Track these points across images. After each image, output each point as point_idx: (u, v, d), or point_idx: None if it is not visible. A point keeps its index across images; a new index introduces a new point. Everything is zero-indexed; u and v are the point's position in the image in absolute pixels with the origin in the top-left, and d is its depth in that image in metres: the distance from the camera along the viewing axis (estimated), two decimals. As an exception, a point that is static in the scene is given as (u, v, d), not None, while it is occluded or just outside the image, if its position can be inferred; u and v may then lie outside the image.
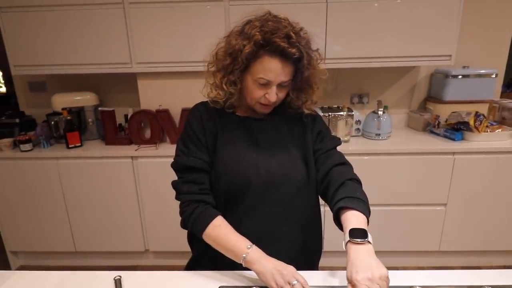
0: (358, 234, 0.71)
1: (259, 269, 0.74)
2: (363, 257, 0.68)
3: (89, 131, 2.18)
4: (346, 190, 0.82)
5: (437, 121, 2.05)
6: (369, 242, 0.71)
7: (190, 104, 0.99)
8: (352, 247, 0.71)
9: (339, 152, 0.95)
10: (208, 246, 0.85)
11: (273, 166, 0.88)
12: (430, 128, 2.10)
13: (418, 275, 0.82)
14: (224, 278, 0.81)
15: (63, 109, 2.01)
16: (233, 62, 0.83)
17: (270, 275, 0.72)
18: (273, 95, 0.83)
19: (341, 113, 2.01)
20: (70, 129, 1.97)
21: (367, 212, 0.78)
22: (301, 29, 0.83)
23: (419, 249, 2.02)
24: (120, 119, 2.15)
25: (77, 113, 2.13)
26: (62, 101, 2.09)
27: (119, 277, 0.80)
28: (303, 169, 0.90)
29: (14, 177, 1.97)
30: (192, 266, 0.99)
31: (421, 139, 2.00)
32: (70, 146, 1.98)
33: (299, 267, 0.80)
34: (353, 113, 2.04)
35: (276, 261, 0.76)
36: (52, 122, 2.06)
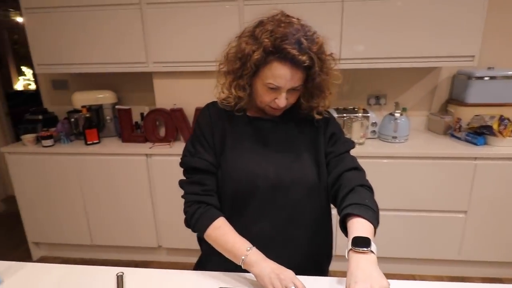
0: (361, 243, 0.69)
1: (257, 271, 0.74)
2: (364, 267, 0.66)
3: (107, 128, 2.24)
4: (355, 197, 0.80)
5: (458, 125, 1.96)
6: (372, 251, 0.68)
7: (204, 103, 0.98)
8: (353, 256, 0.68)
9: (352, 156, 0.93)
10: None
11: (282, 168, 0.87)
12: (451, 131, 2.01)
13: (434, 287, 0.78)
14: (226, 279, 0.81)
15: (82, 106, 2.07)
16: (243, 67, 0.82)
17: (267, 278, 0.71)
18: (282, 100, 0.82)
19: (356, 114, 1.96)
20: (89, 126, 2.04)
21: (374, 221, 0.76)
22: (314, 33, 0.81)
23: (437, 257, 1.94)
24: (136, 117, 2.20)
25: (96, 110, 2.19)
26: (82, 99, 2.16)
27: (121, 273, 0.81)
28: (313, 172, 0.89)
29: (36, 171, 2.06)
30: (200, 265, 0.99)
31: (441, 143, 1.93)
32: (88, 142, 2.04)
33: (307, 272, 0.80)
34: (369, 114, 1.99)
35: (275, 264, 0.75)
36: (72, 119, 2.13)
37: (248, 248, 0.77)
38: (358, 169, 0.90)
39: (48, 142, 2.03)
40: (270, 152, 0.89)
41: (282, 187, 0.86)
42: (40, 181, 2.07)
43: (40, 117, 2.24)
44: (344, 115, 2.00)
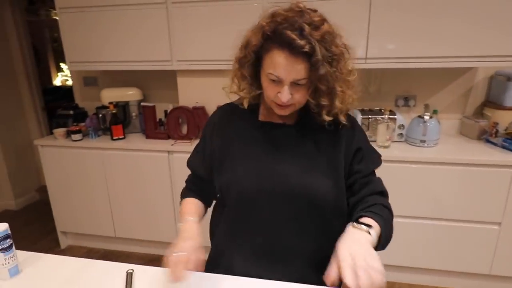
0: (363, 223, 0.72)
1: None
2: (358, 237, 0.68)
3: (132, 124, 2.30)
4: (372, 208, 0.79)
5: (495, 129, 1.82)
6: (369, 233, 0.70)
7: (226, 102, 0.97)
8: (350, 227, 0.71)
9: (379, 178, 0.88)
10: (218, 247, 0.88)
11: (290, 178, 0.80)
12: (486, 136, 1.87)
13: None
14: (235, 284, 0.80)
15: (109, 103, 2.14)
16: (245, 55, 0.78)
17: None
18: (284, 94, 0.73)
19: (382, 116, 1.88)
20: (115, 122, 2.10)
21: (383, 229, 0.75)
22: (323, 20, 0.72)
23: (467, 271, 1.82)
24: (160, 114, 2.24)
25: (123, 107, 2.26)
26: (110, 95, 2.23)
27: (131, 271, 0.82)
28: (326, 185, 0.81)
29: (65, 163, 2.16)
30: (207, 264, 0.98)
31: (475, 148, 1.80)
32: (114, 138, 2.11)
33: (313, 283, 0.77)
34: (396, 116, 1.90)
35: (190, 237, 0.77)
36: (100, 115, 2.21)
37: (183, 221, 0.84)
38: (383, 193, 0.87)
39: (77, 136, 2.12)
40: (278, 160, 0.82)
41: (288, 198, 0.80)
42: (69, 173, 2.17)
43: (71, 112, 2.34)
44: (369, 116, 1.92)
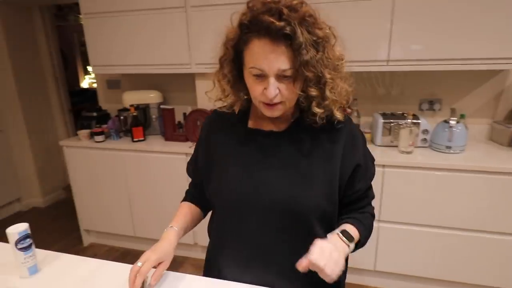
0: (348, 236, 0.74)
1: None
2: (334, 245, 0.70)
3: (152, 126, 2.35)
4: (358, 216, 0.82)
5: (528, 136, 1.71)
6: (348, 246, 0.74)
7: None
8: (333, 236, 0.74)
9: (370, 186, 0.85)
10: (211, 251, 0.90)
11: (278, 189, 0.75)
12: (519, 143, 1.76)
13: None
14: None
15: (130, 105, 2.19)
16: (224, 53, 0.73)
17: None
18: (271, 89, 0.66)
19: (405, 120, 1.81)
20: (135, 124, 2.15)
21: (362, 239, 0.80)
22: (301, 2, 0.66)
23: (494, 285, 1.72)
24: (179, 117, 2.27)
25: (143, 110, 2.31)
26: (131, 98, 2.29)
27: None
28: (316, 197, 0.75)
29: (88, 163, 2.23)
30: (205, 265, 0.95)
31: (506, 155, 1.70)
32: (134, 140, 2.16)
33: None
34: (419, 121, 1.82)
35: (156, 249, 0.80)
36: (122, 117, 2.27)
37: (170, 226, 0.86)
38: (372, 200, 0.88)
39: (100, 137, 2.18)
40: (265, 171, 0.77)
41: (275, 210, 0.75)
42: (92, 173, 2.24)
43: (95, 114, 2.42)
44: (391, 120, 1.86)
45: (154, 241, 2.55)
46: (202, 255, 2.24)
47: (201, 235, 2.12)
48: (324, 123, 0.75)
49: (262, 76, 0.68)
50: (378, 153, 1.80)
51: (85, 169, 2.25)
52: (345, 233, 0.74)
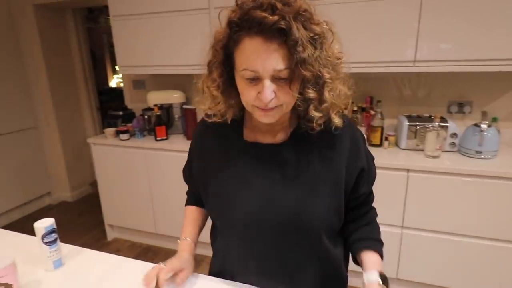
0: (384, 281, 0.70)
1: None
2: None
3: (175, 126, 2.39)
4: (372, 231, 0.83)
5: None
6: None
7: None
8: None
9: (373, 198, 0.84)
10: (215, 253, 0.89)
11: (283, 206, 0.70)
12: (558, 149, 1.65)
13: None
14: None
15: (154, 105, 2.24)
16: (214, 55, 0.67)
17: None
18: (267, 92, 0.60)
19: (432, 123, 1.74)
20: (159, 123, 2.20)
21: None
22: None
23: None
24: (201, 117, 2.29)
25: (167, 109, 2.36)
26: (155, 98, 2.34)
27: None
28: (322, 211, 0.71)
29: (113, 160, 2.30)
30: (212, 264, 0.93)
31: (542, 162, 1.59)
32: (157, 138, 2.21)
33: None
34: (447, 124, 1.75)
35: (179, 257, 0.81)
36: (146, 116, 2.33)
37: (181, 239, 0.87)
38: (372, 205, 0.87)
39: (125, 136, 2.25)
40: (268, 187, 0.72)
41: (280, 228, 0.71)
42: (116, 170, 2.32)
43: (121, 113, 2.49)
44: (417, 123, 1.79)
45: (174, 238, 2.59)
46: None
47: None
48: (322, 129, 0.69)
49: (255, 79, 0.61)
50: (402, 157, 1.74)
51: (110, 166, 2.33)
52: (384, 280, 0.70)
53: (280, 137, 0.74)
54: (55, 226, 0.88)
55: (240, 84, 0.65)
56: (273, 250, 0.75)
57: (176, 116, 2.38)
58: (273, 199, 0.72)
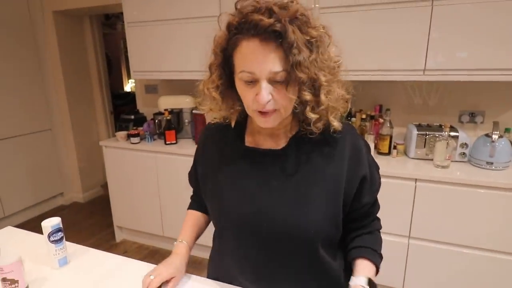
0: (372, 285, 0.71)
1: None
2: None
3: (184, 130, 2.43)
4: (371, 241, 0.80)
5: None
6: None
7: None
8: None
9: (376, 199, 0.81)
10: (212, 258, 0.91)
11: (278, 214, 0.70)
12: None
13: None
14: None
15: (165, 109, 2.29)
16: (214, 58, 0.69)
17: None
18: (263, 93, 0.61)
19: (441, 133, 1.71)
20: (169, 128, 2.24)
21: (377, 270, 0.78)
22: (293, 1, 0.62)
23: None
24: (210, 122, 2.32)
25: (177, 114, 2.40)
26: (166, 102, 2.38)
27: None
28: (319, 220, 0.70)
29: (124, 163, 2.35)
30: (210, 265, 0.95)
31: (557, 175, 1.54)
32: (167, 142, 2.24)
33: None
34: (457, 134, 1.72)
35: (169, 264, 0.81)
36: (156, 121, 2.38)
37: (177, 241, 0.89)
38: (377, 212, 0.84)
39: (136, 139, 2.30)
40: (265, 194, 0.72)
41: (275, 236, 0.71)
42: (127, 173, 2.36)
43: (132, 117, 2.55)
44: (426, 132, 1.77)
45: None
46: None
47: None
48: (322, 134, 0.70)
49: (253, 82, 0.63)
50: (411, 166, 1.72)
51: (121, 168, 2.37)
52: (370, 284, 0.71)
53: (280, 143, 0.75)
54: (61, 225, 0.91)
55: (239, 88, 0.66)
56: (268, 258, 0.74)
57: (186, 120, 2.41)
58: (267, 206, 0.71)
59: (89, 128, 3.33)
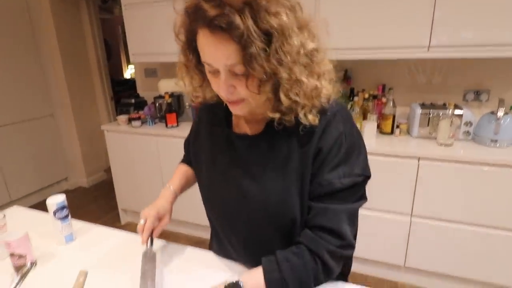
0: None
1: None
2: None
3: (185, 114, 2.42)
4: (290, 257, 0.66)
5: None
6: None
7: None
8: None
9: (346, 208, 0.66)
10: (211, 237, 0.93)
11: (251, 197, 0.70)
12: None
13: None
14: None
15: (165, 93, 2.27)
16: (177, 43, 0.67)
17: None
18: (221, 86, 0.59)
19: (445, 111, 1.69)
20: (169, 111, 2.22)
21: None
22: None
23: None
24: (211, 105, 2.31)
25: (177, 97, 2.38)
26: (166, 85, 2.36)
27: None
28: (290, 206, 0.67)
29: (126, 147, 2.35)
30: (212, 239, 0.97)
31: (562, 151, 1.53)
32: (168, 125, 2.24)
33: None
34: (461, 112, 1.70)
35: (154, 205, 0.84)
36: (157, 104, 2.36)
37: (167, 187, 0.90)
38: (338, 236, 0.65)
39: (137, 123, 2.29)
40: (241, 179, 0.71)
41: (250, 218, 0.72)
42: (129, 156, 2.37)
43: (133, 101, 2.54)
44: (430, 111, 1.75)
45: (186, 223, 2.63)
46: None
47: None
48: (295, 123, 0.63)
49: (216, 72, 0.59)
50: (414, 145, 1.71)
51: (123, 152, 2.38)
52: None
53: (259, 128, 0.71)
54: (66, 203, 0.92)
55: (208, 75, 0.63)
56: (259, 243, 0.75)
57: (187, 104, 2.40)
58: (247, 191, 0.71)
59: (90, 113, 3.32)
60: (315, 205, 0.66)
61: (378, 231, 1.77)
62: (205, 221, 0.93)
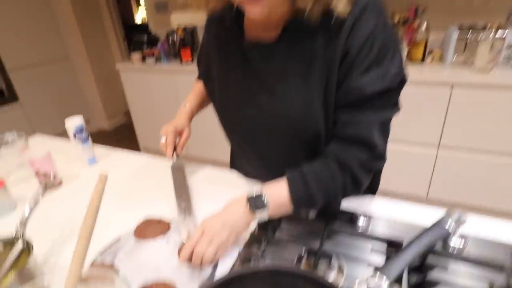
0: (258, 200, 0.58)
1: None
2: (227, 213, 0.60)
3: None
4: (318, 166, 0.61)
5: None
6: (254, 212, 0.58)
7: None
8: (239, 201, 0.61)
9: (381, 114, 0.58)
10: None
11: (267, 109, 0.64)
12: None
13: None
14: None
15: (178, 27, 2.15)
16: None
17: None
18: None
19: (485, 33, 1.52)
20: (183, 45, 2.13)
21: (298, 202, 0.59)
22: None
23: None
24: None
25: (191, 32, 2.26)
26: (178, 18, 2.24)
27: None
28: (316, 117, 0.60)
29: (142, 87, 2.32)
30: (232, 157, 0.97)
31: None
32: (183, 61, 2.16)
33: None
34: (504, 35, 1.52)
35: (172, 123, 0.81)
36: (170, 40, 2.26)
37: (183, 105, 0.88)
38: (370, 148, 0.59)
39: (151, 60, 2.22)
40: (255, 90, 0.65)
41: (268, 131, 0.67)
42: (146, 96, 2.35)
43: (145, 38, 2.44)
44: (468, 34, 1.57)
45: (206, 159, 2.65)
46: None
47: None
48: (322, 18, 0.54)
49: None
50: (447, 72, 1.58)
51: (140, 92, 2.35)
52: (255, 197, 0.59)
53: (275, 34, 0.61)
54: (84, 125, 0.90)
55: None
56: (281, 162, 0.68)
57: (201, 37, 2.28)
58: (264, 105, 0.64)
59: (104, 56, 3.26)
60: (342, 115, 0.59)
61: (403, 164, 1.73)
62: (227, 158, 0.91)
